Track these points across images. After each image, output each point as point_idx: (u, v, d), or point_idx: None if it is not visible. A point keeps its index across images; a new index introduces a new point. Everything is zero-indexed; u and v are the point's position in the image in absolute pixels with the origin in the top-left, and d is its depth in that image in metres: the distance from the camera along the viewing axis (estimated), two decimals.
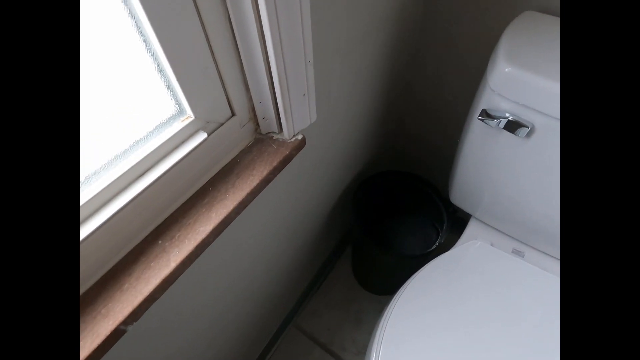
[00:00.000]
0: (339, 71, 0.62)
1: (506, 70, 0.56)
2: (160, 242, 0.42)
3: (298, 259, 0.93)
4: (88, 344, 0.34)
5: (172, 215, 0.45)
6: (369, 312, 1.15)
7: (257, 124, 0.53)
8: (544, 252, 0.81)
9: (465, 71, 0.83)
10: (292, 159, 0.53)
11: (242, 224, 0.58)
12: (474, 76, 0.82)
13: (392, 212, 1.13)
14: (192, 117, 0.43)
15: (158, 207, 0.43)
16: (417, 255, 0.91)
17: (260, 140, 0.54)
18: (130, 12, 0.32)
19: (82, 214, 0.37)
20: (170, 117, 0.41)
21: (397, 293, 0.73)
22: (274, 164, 0.50)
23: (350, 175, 0.97)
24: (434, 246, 0.91)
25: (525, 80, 0.55)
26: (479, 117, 0.61)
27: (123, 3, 0.31)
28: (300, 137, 0.54)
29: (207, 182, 0.48)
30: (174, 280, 0.40)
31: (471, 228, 0.87)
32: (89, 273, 0.38)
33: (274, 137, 0.54)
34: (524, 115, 0.58)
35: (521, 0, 0.67)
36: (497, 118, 0.60)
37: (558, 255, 0.79)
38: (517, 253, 0.83)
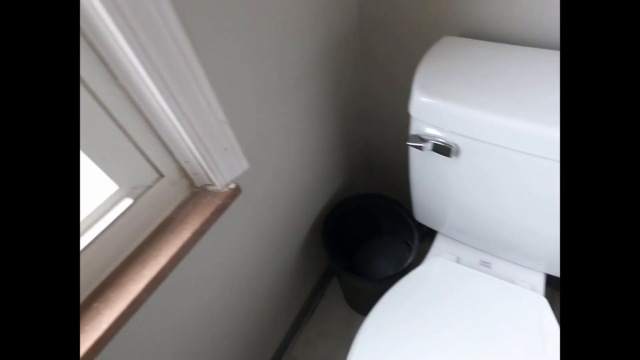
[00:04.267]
0: (270, 117, 0.66)
1: (421, 99, 0.59)
2: (95, 304, 0.45)
3: (278, 292, 0.95)
4: None
5: (109, 276, 0.48)
6: None
7: (191, 179, 0.57)
8: (509, 261, 0.81)
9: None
10: (226, 208, 0.56)
11: (186, 273, 0.61)
12: None
13: (367, 234, 1.15)
14: (116, 187, 0.47)
15: (92, 272, 0.47)
16: (392, 275, 0.92)
17: (196, 193, 0.57)
18: None
19: None
20: (98, 189, 0.46)
21: (363, 322, 0.74)
22: (207, 215, 0.54)
23: (321, 204, 1.00)
24: (406, 264, 0.92)
25: (439, 108, 0.57)
26: (408, 143, 0.64)
27: None
28: (233, 185, 0.57)
29: (144, 241, 0.52)
30: (108, 341, 0.43)
31: (438, 243, 0.88)
32: None
33: (208, 189, 0.57)
34: (447, 138, 0.60)
35: (441, 26, 0.71)
36: (425, 141, 0.63)
37: (523, 263, 0.79)
38: (485, 264, 0.83)
